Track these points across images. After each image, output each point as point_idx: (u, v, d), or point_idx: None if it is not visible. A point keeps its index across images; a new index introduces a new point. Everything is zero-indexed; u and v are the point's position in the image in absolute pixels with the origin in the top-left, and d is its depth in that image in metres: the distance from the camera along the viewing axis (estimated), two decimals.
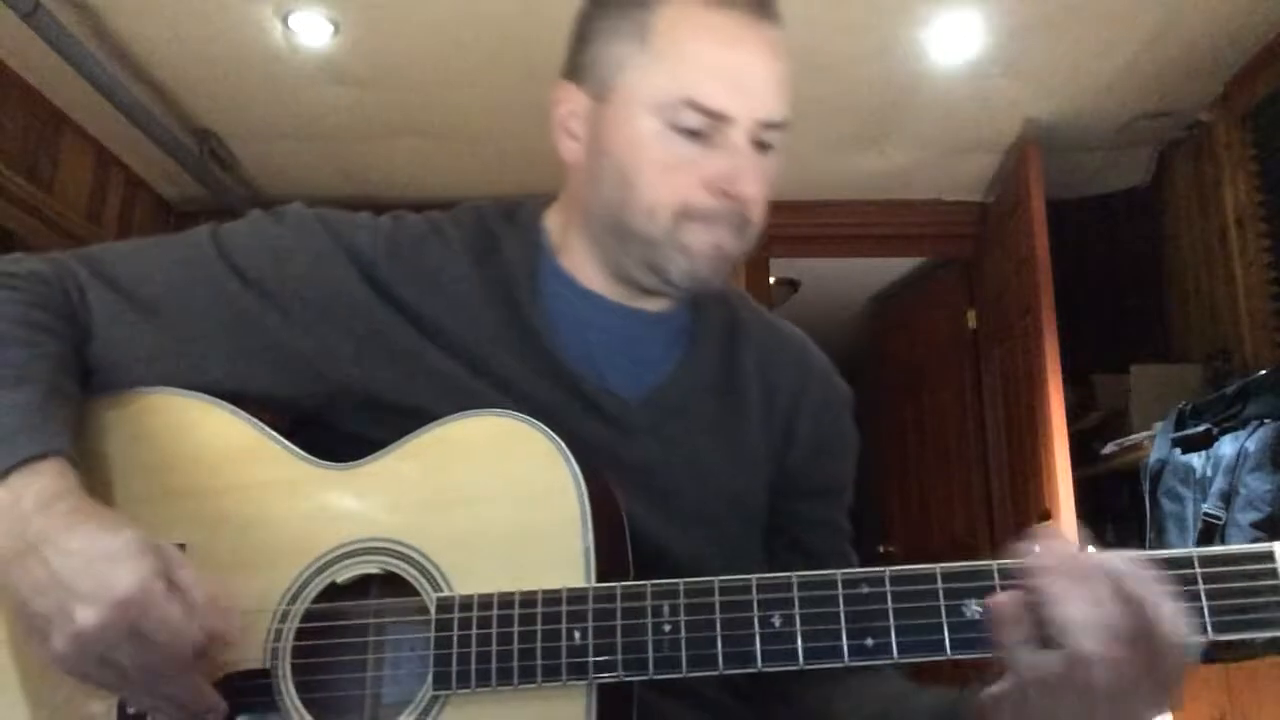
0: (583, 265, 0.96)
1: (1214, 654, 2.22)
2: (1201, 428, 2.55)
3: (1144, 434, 2.91)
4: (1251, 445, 2.36)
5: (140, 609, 0.71)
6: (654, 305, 0.97)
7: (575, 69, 0.95)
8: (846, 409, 1.05)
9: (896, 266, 4.59)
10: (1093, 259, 3.73)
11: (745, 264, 3.81)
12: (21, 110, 2.98)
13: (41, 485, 0.76)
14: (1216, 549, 0.66)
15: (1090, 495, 3.20)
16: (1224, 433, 2.47)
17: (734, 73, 0.88)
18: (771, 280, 4.06)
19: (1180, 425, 2.64)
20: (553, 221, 0.99)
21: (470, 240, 0.96)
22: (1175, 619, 0.62)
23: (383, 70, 2.95)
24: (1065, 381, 3.07)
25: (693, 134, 0.87)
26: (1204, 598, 0.65)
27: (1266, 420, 2.37)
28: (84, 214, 3.31)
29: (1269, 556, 0.65)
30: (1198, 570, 0.65)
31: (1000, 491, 3.67)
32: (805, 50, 2.83)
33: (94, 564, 0.72)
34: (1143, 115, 3.25)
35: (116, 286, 0.90)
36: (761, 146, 0.90)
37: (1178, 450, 2.61)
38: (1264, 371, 2.54)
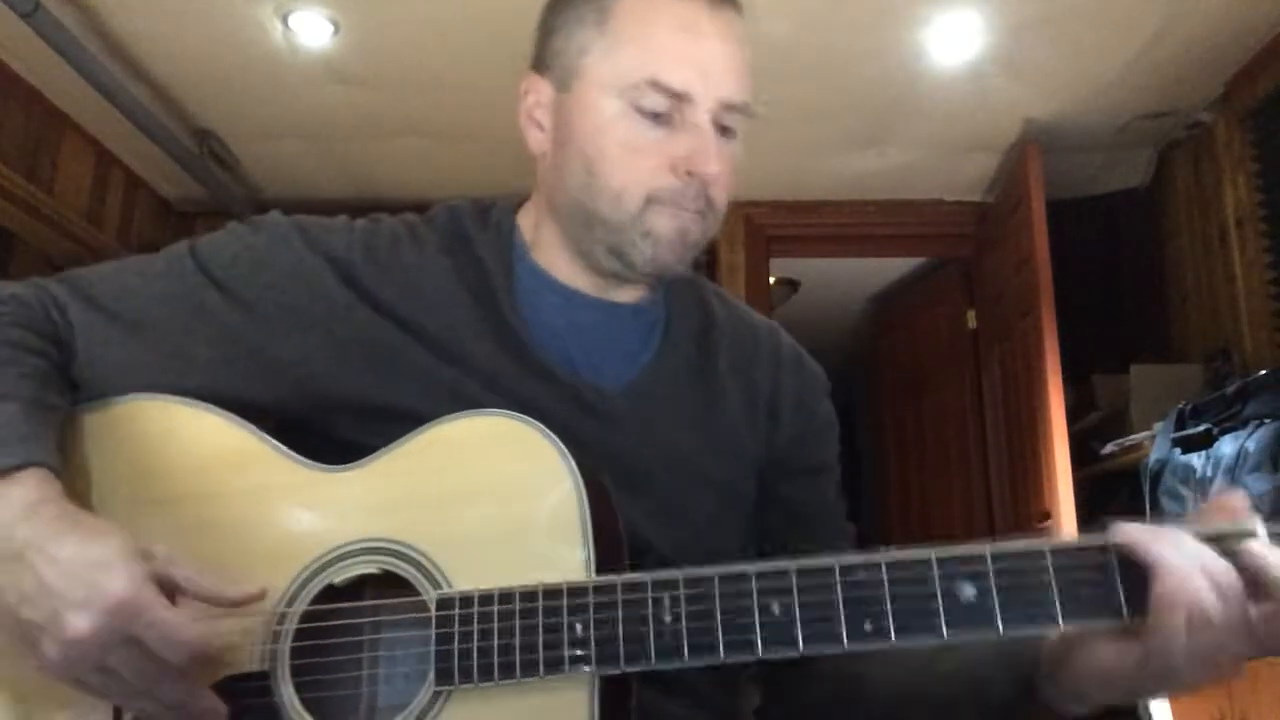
0: (556, 260, 0.97)
1: None
2: (1201, 428, 2.54)
3: (1144, 434, 2.91)
4: (1251, 445, 2.35)
5: (133, 614, 0.71)
6: (629, 297, 0.98)
7: (540, 60, 0.96)
8: (824, 393, 1.06)
9: (896, 266, 4.59)
10: (1093, 259, 3.72)
11: (745, 264, 3.83)
12: (21, 110, 2.98)
13: (24, 493, 0.76)
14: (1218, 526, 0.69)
15: (1090, 495, 3.20)
16: (1224, 433, 2.46)
17: (694, 54, 0.89)
18: (771, 280, 4.05)
19: (1180, 425, 2.64)
20: (525, 219, 1.00)
21: (445, 240, 0.96)
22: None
23: (383, 70, 2.95)
24: (1065, 381, 3.07)
25: (656, 117, 0.88)
26: None
27: (1266, 420, 2.37)
28: (84, 214, 3.31)
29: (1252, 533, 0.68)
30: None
31: (1000, 491, 3.67)
32: (805, 50, 2.82)
33: (84, 571, 0.71)
34: (1143, 115, 3.25)
35: (97, 304, 0.90)
36: (724, 131, 0.91)
37: (1178, 450, 2.61)
38: (1264, 371, 2.53)
